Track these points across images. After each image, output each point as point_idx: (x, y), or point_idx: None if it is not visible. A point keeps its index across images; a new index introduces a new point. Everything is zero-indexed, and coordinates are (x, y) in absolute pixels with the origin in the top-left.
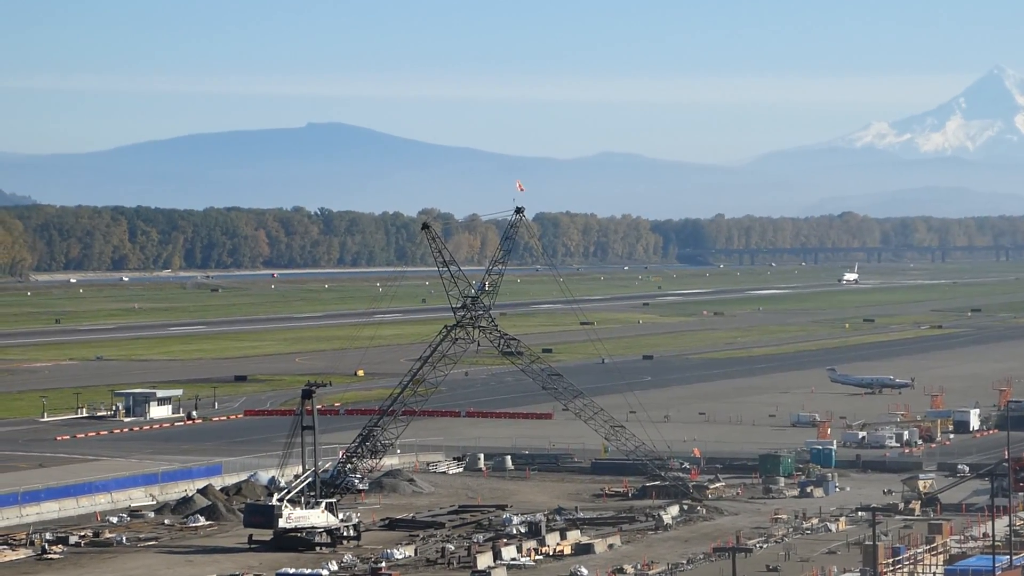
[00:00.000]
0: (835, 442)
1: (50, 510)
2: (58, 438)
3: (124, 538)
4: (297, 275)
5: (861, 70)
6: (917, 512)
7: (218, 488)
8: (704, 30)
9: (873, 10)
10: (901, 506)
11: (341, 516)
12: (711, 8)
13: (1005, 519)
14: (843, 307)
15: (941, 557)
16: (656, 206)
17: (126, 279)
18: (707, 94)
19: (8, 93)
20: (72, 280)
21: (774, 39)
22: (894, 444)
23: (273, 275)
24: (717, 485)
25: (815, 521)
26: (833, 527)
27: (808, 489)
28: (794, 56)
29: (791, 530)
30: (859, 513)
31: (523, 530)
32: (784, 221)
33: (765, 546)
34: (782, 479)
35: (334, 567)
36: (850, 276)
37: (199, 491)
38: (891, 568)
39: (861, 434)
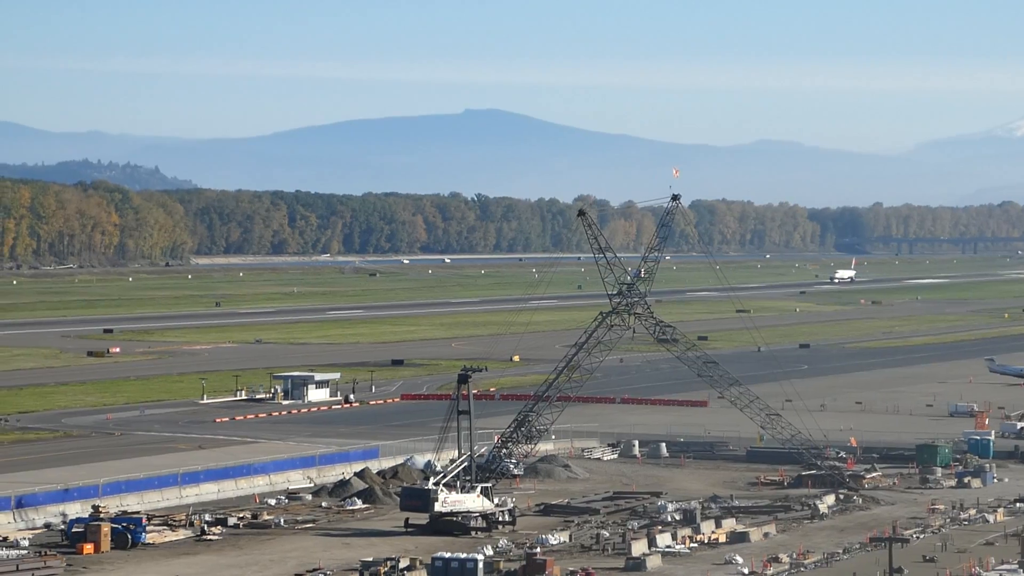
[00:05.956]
0: (993, 432)
1: (209, 491)
2: (217, 420)
3: (282, 520)
4: (461, 261)
5: (1021, 57)
6: None
7: (375, 471)
8: (864, 17)
9: None
10: None
11: (496, 501)
12: None
13: None
14: (1003, 297)
15: None
16: (813, 194)
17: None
18: (867, 81)
19: (170, 79)
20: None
21: (935, 25)
22: None
23: (445, 260)
24: (873, 475)
25: (973, 512)
26: (991, 518)
27: (965, 480)
28: (954, 43)
29: (948, 521)
30: (1017, 504)
31: (678, 517)
32: (943, 210)
33: (922, 537)
34: (939, 469)
35: (489, 552)
36: (844, 273)
37: (356, 474)
38: None
39: (1020, 425)
